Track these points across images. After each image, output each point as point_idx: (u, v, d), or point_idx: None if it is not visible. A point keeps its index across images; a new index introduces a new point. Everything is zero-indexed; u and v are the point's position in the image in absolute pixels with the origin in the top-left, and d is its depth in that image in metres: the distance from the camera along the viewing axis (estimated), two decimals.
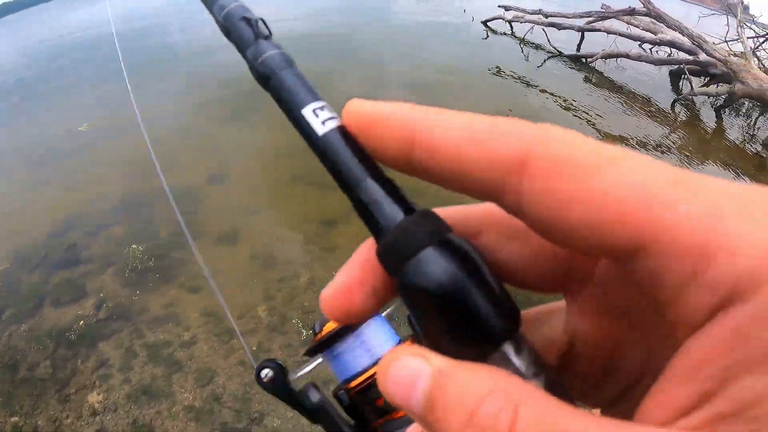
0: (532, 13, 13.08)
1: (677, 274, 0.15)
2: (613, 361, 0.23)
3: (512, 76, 10.01)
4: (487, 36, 13.20)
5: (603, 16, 11.56)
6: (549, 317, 0.26)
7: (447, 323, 0.19)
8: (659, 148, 7.41)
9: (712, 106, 9.55)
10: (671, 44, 10.75)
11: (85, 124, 7.48)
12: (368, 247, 0.22)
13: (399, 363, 0.19)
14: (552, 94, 9.06)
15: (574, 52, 11.85)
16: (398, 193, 0.22)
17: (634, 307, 0.21)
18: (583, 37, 13.06)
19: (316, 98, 0.24)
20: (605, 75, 10.79)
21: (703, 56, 9.87)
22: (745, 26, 10.11)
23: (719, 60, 9.14)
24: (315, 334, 0.77)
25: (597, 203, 0.16)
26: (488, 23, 14.54)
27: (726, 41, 11.60)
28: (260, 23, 0.27)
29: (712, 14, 12.81)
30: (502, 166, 0.18)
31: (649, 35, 11.23)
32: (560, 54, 11.84)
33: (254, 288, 3.99)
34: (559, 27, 12.63)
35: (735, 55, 9.87)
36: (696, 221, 0.15)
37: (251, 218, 5.03)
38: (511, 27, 13.62)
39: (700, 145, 7.97)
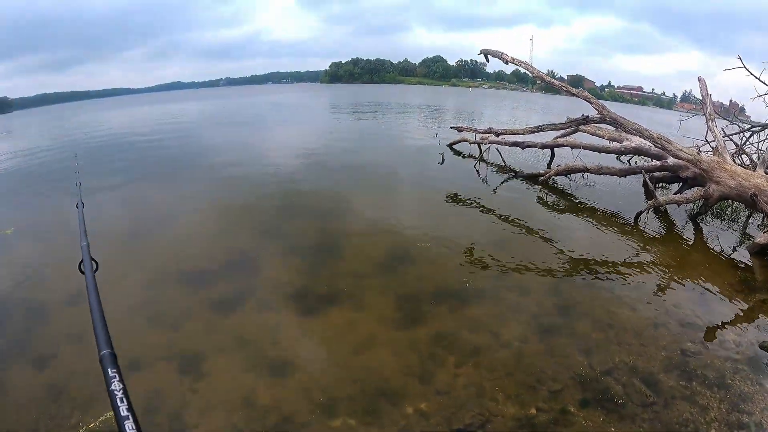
0: (483, 133, 12.23)
1: None
2: None
3: (469, 201, 8.89)
4: (443, 161, 12.23)
5: (555, 128, 10.45)
6: None
7: None
8: (627, 269, 5.91)
9: (688, 214, 7.89)
10: (637, 151, 9.44)
11: None
12: None
13: None
14: (507, 218, 7.86)
15: (533, 171, 10.66)
16: None
17: None
18: (553, 154, 12.04)
19: None
20: (568, 192, 9.42)
21: (671, 160, 8.43)
22: (714, 120, 8.68)
23: (687, 160, 7.63)
24: None
25: None
26: (453, 146, 14.35)
27: (708, 141, 10.22)
28: None
29: (693, 116, 11.65)
30: None
31: (615, 144, 9.97)
32: (516, 175, 10.63)
33: None
34: (522, 146, 11.66)
35: (706, 154, 8.42)
36: None
37: None
38: (480, 149, 12.70)
39: (677, 262, 6.27)
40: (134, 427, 0.76)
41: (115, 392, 0.87)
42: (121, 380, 0.99)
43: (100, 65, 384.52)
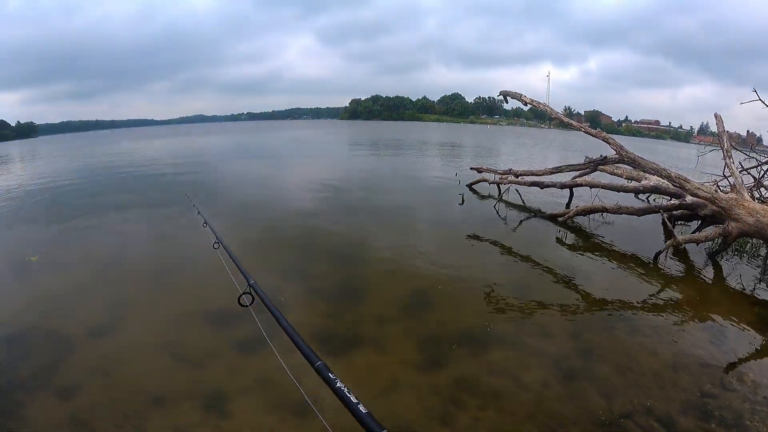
0: (503, 174, 12.45)
1: None
2: None
3: (489, 242, 9.07)
4: (462, 202, 12.46)
5: (574, 169, 10.62)
6: None
7: None
8: (646, 309, 6.00)
9: (707, 252, 7.94)
10: (655, 190, 9.54)
11: None
12: None
13: None
14: (527, 259, 8.00)
15: (552, 211, 10.82)
16: None
17: None
18: (572, 194, 12.17)
19: None
20: (587, 232, 9.52)
21: (689, 198, 8.52)
22: (731, 156, 8.78)
23: (705, 199, 7.73)
24: None
25: None
26: (473, 186, 14.58)
27: (726, 177, 10.26)
28: None
29: (711, 151, 11.71)
30: None
31: (633, 184, 10.09)
32: (535, 214, 10.80)
33: None
34: (542, 186, 11.82)
35: (724, 190, 8.51)
36: None
37: None
38: (500, 189, 12.90)
39: (696, 301, 6.32)
40: (366, 410, 1.06)
41: (342, 388, 1.29)
42: (341, 381, 1.36)
43: (125, 95, 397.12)
